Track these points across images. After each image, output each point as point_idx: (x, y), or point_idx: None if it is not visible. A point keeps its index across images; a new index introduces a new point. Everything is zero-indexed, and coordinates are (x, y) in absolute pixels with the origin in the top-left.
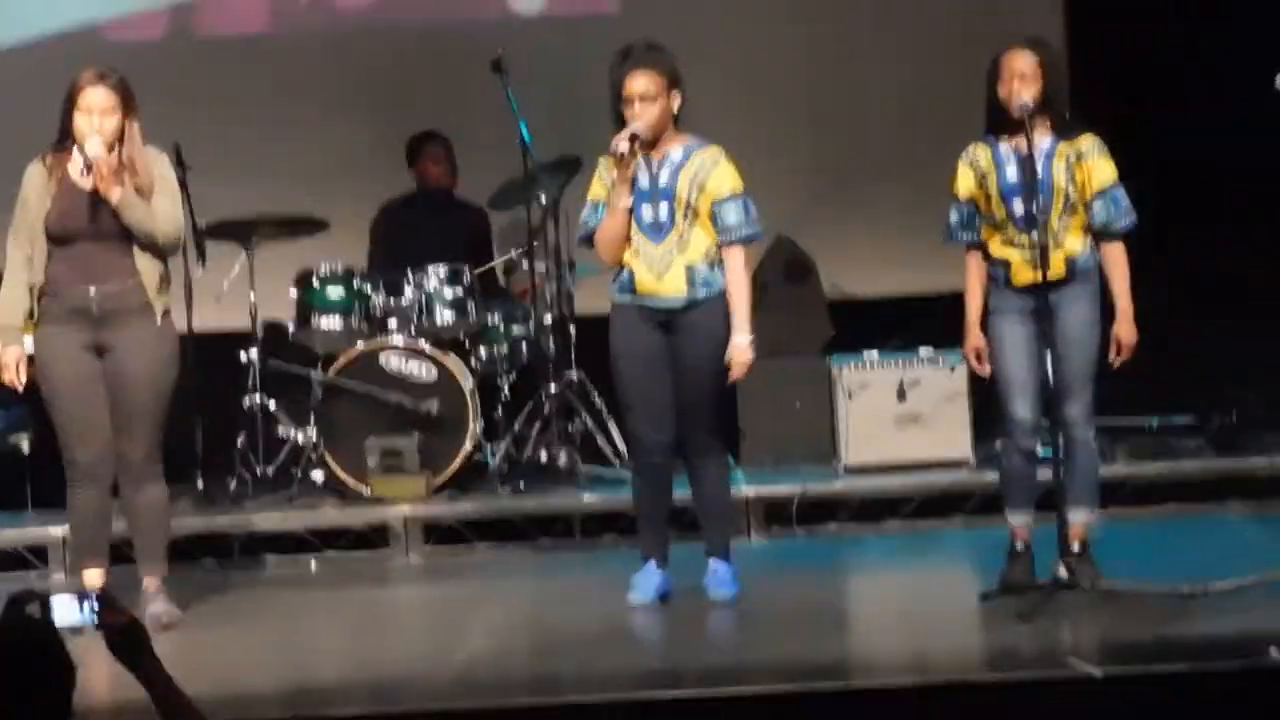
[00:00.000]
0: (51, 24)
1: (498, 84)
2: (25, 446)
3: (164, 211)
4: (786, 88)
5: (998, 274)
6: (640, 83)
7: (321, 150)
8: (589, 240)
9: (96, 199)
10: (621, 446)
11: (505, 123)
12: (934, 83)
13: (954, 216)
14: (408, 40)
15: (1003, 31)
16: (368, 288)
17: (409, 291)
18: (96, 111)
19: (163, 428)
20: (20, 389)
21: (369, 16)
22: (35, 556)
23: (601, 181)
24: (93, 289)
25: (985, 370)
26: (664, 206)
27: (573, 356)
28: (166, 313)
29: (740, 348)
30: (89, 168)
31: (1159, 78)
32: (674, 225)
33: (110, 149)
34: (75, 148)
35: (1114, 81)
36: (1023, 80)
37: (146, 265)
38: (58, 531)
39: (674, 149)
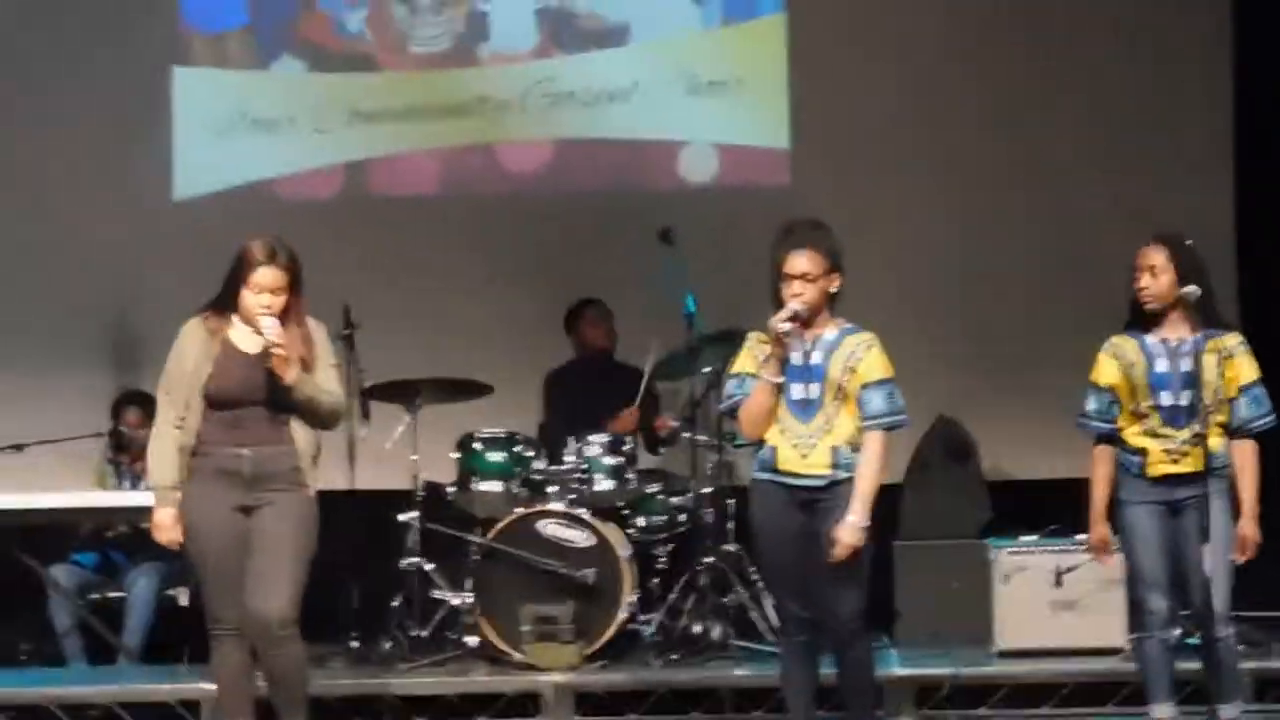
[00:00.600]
0: (226, 179)
1: (666, 253)
2: (184, 599)
3: (329, 390)
4: (948, 265)
5: (1132, 464)
6: (801, 262)
7: (487, 313)
8: (733, 411)
9: (263, 372)
10: (775, 621)
11: (672, 292)
12: (1096, 267)
13: (1092, 404)
14: (577, 206)
15: (1168, 223)
16: (529, 453)
17: (569, 458)
18: (267, 290)
19: (300, 593)
20: (178, 548)
21: (539, 180)
22: (189, 711)
23: (751, 355)
24: (246, 451)
25: (1111, 562)
26: (815, 387)
27: (730, 528)
28: (312, 485)
29: (849, 527)
30: (266, 353)
31: None
32: (822, 405)
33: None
34: (241, 320)
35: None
36: (1152, 273)
37: (302, 435)
38: (212, 687)
39: (828, 330)
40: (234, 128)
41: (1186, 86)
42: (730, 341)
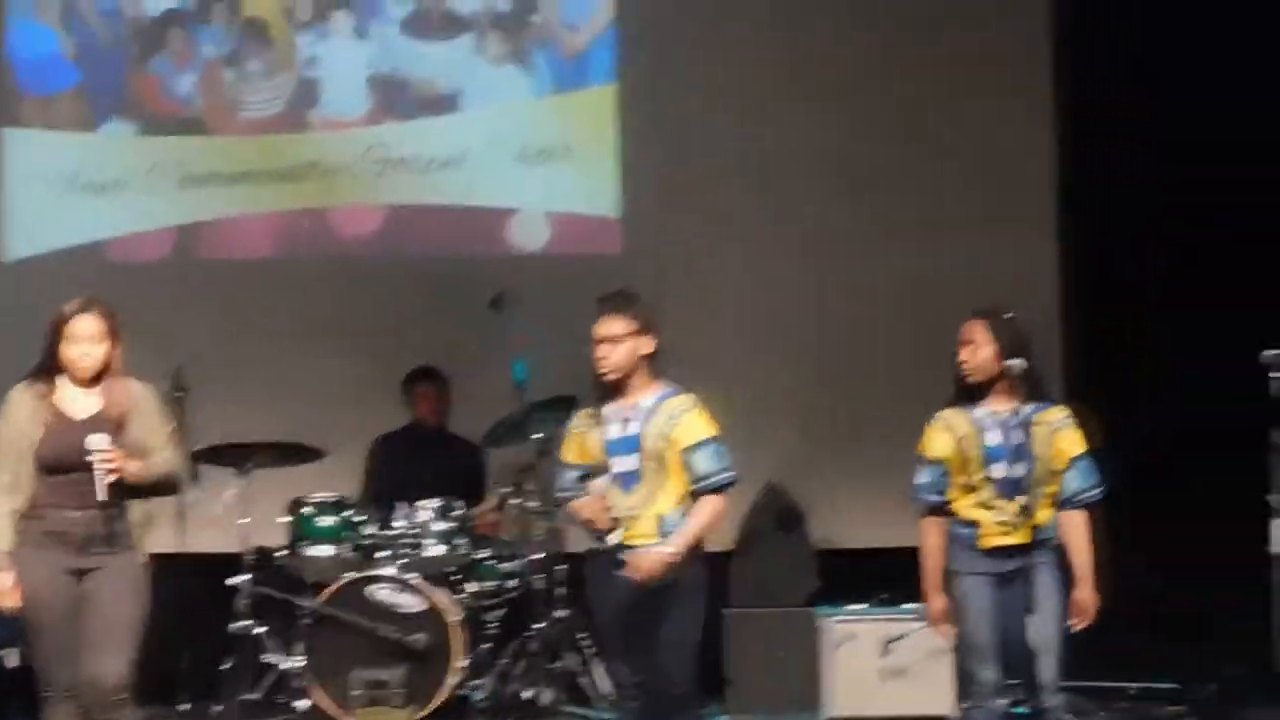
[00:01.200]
0: (58, 240)
1: (497, 320)
2: (12, 660)
3: (167, 463)
4: (782, 331)
5: (964, 535)
6: (605, 326)
7: (319, 378)
8: (564, 505)
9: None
10: (605, 687)
11: (504, 358)
12: (927, 340)
13: (925, 477)
14: (409, 271)
15: (1002, 287)
16: (359, 518)
17: (400, 524)
18: (84, 340)
19: (133, 658)
20: (16, 613)
21: (371, 246)
22: None
23: (576, 442)
24: (79, 514)
25: (948, 632)
26: (633, 458)
27: (560, 594)
28: (143, 549)
29: (654, 554)
30: (100, 473)
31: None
32: (643, 477)
33: (96, 380)
34: (71, 383)
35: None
36: (973, 348)
37: (133, 501)
38: None
39: (645, 395)
40: (66, 189)
41: (1010, 147)
42: (560, 407)
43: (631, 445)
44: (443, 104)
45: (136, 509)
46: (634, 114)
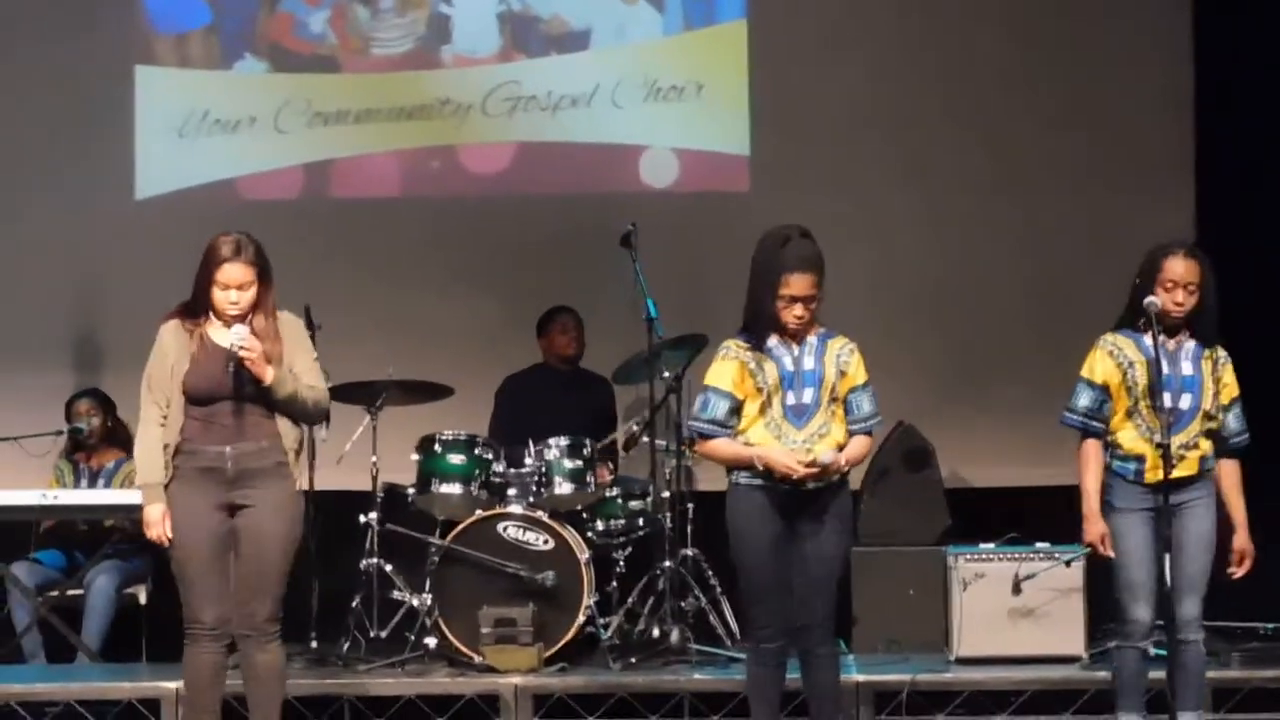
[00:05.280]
0: (188, 179)
1: (626, 257)
2: (142, 598)
3: (311, 385)
4: (908, 271)
5: (1126, 470)
6: (806, 284)
7: (449, 315)
8: (702, 437)
9: (241, 369)
10: (734, 626)
11: (633, 296)
12: (1058, 278)
13: (1084, 400)
14: (538, 209)
15: (1131, 238)
16: (489, 456)
17: (529, 462)
18: (234, 286)
19: (284, 590)
20: (168, 544)
21: (500, 184)
22: (148, 710)
23: (732, 369)
24: (229, 448)
25: (1109, 555)
26: (809, 391)
27: (689, 533)
28: (297, 477)
29: (832, 452)
30: (238, 361)
31: None
32: (818, 409)
33: (246, 319)
34: (218, 320)
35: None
36: (1188, 290)
37: (286, 429)
38: (171, 685)
39: (810, 334)
40: (196, 128)
41: (1148, 94)
42: (690, 346)
43: (811, 379)
44: (573, 41)
45: (289, 437)
46: (764, 52)
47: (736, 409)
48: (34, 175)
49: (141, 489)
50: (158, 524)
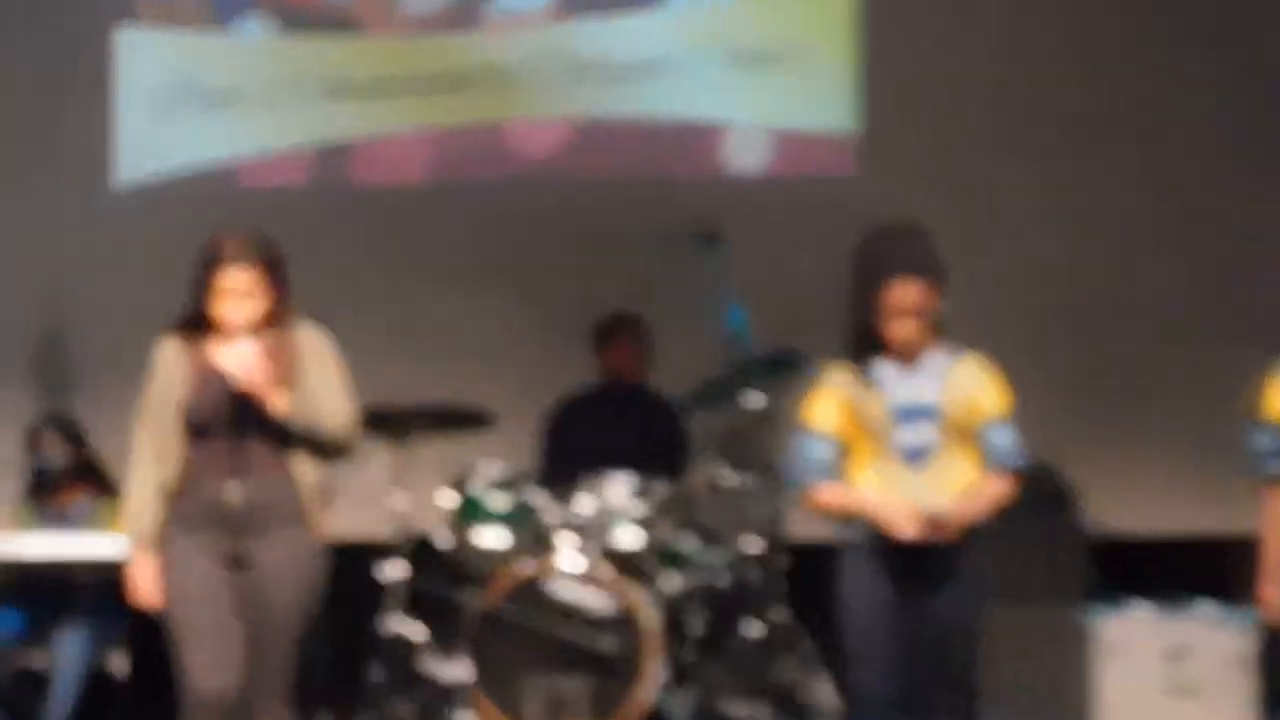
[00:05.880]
0: (176, 162)
1: (706, 258)
2: (121, 668)
3: (332, 410)
4: (1049, 275)
5: None
6: (912, 293)
7: (488, 327)
8: (805, 484)
9: (244, 394)
10: (831, 701)
11: (714, 304)
12: (1224, 291)
13: (1266, 443)
14: (598, 199)
15: None
16: (536, 497)
17: (586, 504)
18: (236, 296)
19: (293, 663)
20: (159, 608)
21: (552, 168)
22: None
23: (834, 403)
24: (232, 488)
25: None
26: (928, 427)
27: (780, 592)
28: (318, 527)
29: (952, 510)
30: (239, 386)
31: None
32: (939, 450)
33: (254, 328)
34: (218, 330)
35: None
36: None
37: (305, 467)
38: None
39: (930, 355)
40: (188, 101)
41: None
42: (783, 366)
43: (925, 413)
44: None
45: (308, 476)
46: (876, 9)
47: (841, 451)
48: None
49: (128, 538)
50: (146, 587)
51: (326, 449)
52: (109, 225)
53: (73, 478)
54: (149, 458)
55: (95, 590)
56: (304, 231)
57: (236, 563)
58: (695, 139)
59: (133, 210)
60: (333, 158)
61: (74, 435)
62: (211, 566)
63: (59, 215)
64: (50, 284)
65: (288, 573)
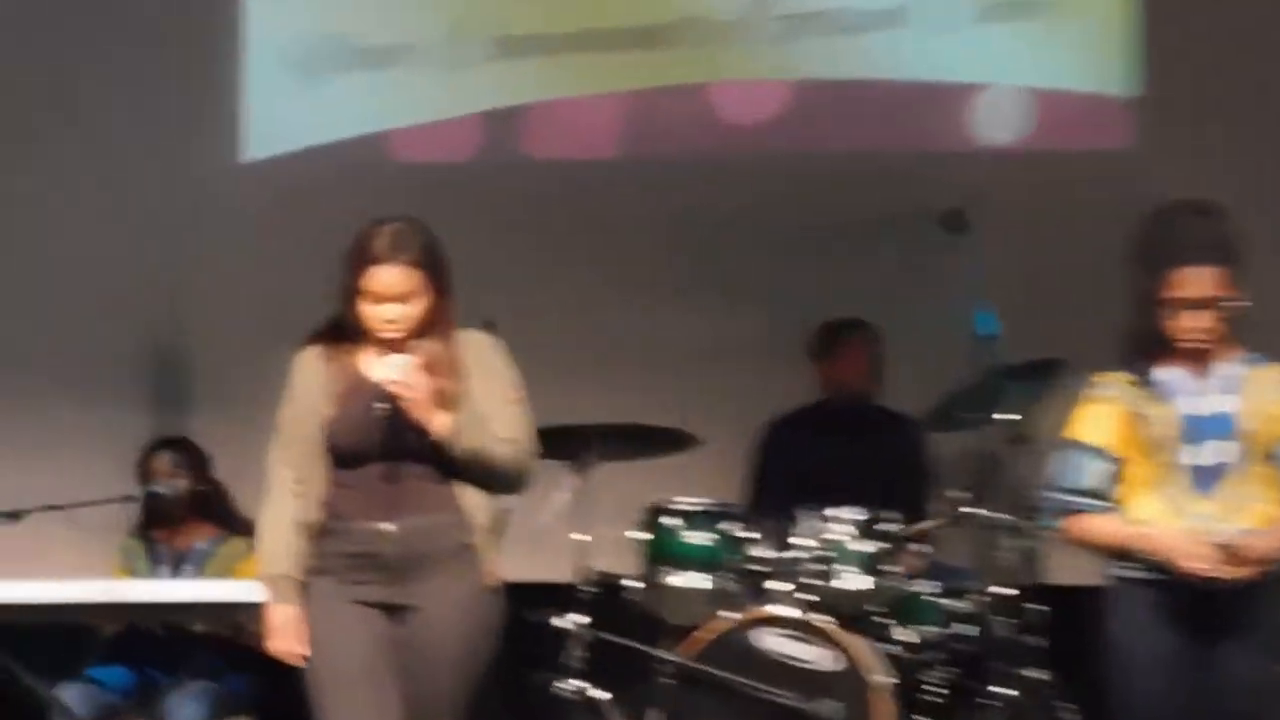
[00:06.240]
0: (317, 134)
1: (952, 246)
2: None
3: (504, 432)
4: None
5: None
6: (1207, 282)
7: (687, 331)
8: (1069, 513)
9: (399, 414)
10: None
11: (961, 302)
12: None
13: None
14: (819, 174)
15: None
16: (744, 533)
17: (803, 542)
18: (391, 298)
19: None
20: (301, 662)
21: (765, 138)
22: None
23: (1102, 417)
24: (390, 526)
25: None
26: (1223, 445)
27: (1037, 645)
28: (492, 569)
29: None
30: (392, 403)
31: None
32: (1234, 471)
33: (411, 337)
34: (368, 339)
35: None
36: None
37: (473, 498)
38: None
39: (1224, 361)
40: (329, 63)
41: None
42: (1044, 377)
43: (1218, 428)
44: None
45: (477, 510)
46: None
47: (1117, 472)
48: (97, 130)
49: (264, 582)
50: (286, 635)
51: (497, 478)
52: (237, 207)
53: (191, 511)
54: (287, 489)
55: (215, 646)
56: (469, 216)
57: (393, 613)
58: (939, 104)
59: (266, 189)
60: (502, 126)
61: (195, 460)
62: (364, 617)
63: (178, 196)
64: (166, 281)
65: (453, 624)
